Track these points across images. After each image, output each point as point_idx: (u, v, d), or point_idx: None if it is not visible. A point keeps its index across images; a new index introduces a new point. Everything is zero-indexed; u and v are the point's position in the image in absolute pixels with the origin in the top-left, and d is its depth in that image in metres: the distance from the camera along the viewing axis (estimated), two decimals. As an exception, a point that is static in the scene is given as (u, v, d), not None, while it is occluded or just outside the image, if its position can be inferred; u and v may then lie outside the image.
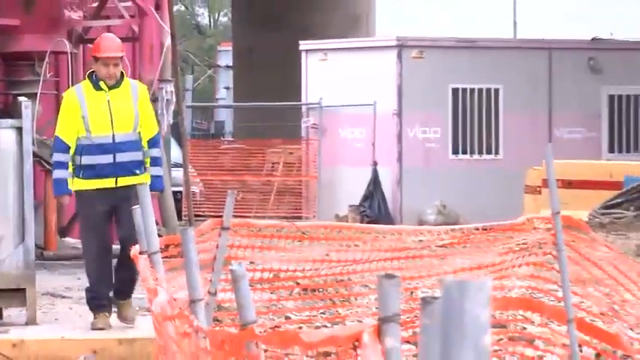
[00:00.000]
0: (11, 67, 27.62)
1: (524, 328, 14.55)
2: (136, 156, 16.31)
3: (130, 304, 16.76)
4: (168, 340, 11.32)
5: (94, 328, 16.88)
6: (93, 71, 17.08)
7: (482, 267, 15.87)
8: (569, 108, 44.59)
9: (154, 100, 28.36)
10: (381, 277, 6.68)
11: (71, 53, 28.94)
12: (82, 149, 16.39)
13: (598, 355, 14.41)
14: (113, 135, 16.19)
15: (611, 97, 44.80)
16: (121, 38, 31.04)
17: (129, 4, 29.52)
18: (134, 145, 16.34)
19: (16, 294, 19.69)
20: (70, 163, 16.95)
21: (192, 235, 11.43)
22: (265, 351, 9.01)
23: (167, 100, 28.35)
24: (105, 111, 16.52)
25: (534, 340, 14.46)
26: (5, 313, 20.42)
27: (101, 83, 16.72)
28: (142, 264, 13.85)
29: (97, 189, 16.40)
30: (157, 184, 17.24)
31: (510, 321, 14.44)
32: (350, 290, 15.54)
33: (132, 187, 16.34)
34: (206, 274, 12.28)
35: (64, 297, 23.04)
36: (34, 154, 20.68)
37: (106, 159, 16.38)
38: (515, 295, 14.76)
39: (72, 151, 16.92)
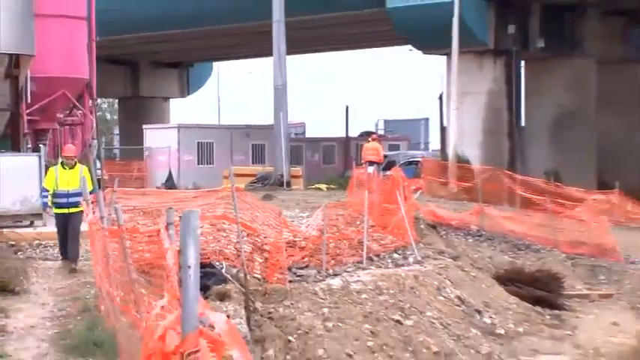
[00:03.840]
0: (37, 134, 26.43)
1: (223, 224, 14.18)
2: (77, 197, 15.27)
3: (76, 261, 15.28)
4: (93, 232, 10.87)
5: (62, 266, 15.80)
6: (62, 161, 16.15)
7: (207, 204, 15.52)
8: (239, 149, 43.63)
9: (90, 145, 26.96)
10: (168, 209, 6.55)
11: (58, 129, 27.88)
12: (54, 195, 15.43)
13: (252, 241, 14.02)
14: (67, 190, 15.12)
15: (253, 145, 44.01)
16: (75, 124, 29.60)
17: (80, 112, 28.35)
18: (77, 194, 15.24)
19: (38, 216, 18.79)
20: (50, 200, 15.94)
21: (102, 194, 11.04)
22: (128, 237, 8.72)
23: (95, 145, 27.28)
24: (65, 179, 15.46)
25: (226, 230, 14.08)
26: (35, 223, 19.47)
27: (65, 166, 15.65)
28: (84, 205, 13.21)
29: (62, 213, 15.05)
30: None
31: (218, 223, 14.00)
32: (160, 213, 15.24)
33: (74, 213, 15.19)
34: (107, 207, 11.82)
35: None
36: (45, 166, 19.72)
37: (64, 199, 15.21)
38: (218, 214, 14.45)
39: (51, 192, 15.96)
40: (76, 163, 15.71)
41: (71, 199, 15.35)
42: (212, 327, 4.40)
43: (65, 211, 15.46)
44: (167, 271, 6.17)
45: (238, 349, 4.09)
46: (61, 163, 15.83)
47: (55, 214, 15.73)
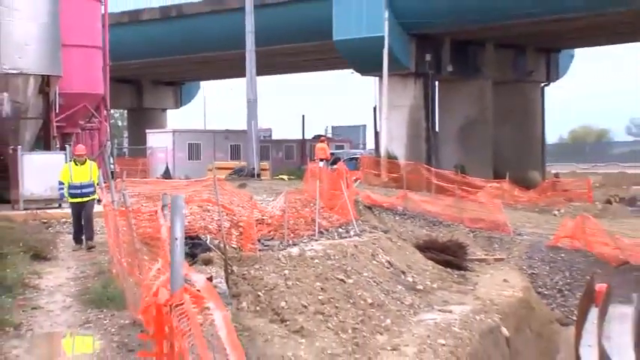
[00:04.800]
0: (64, 137, 25.90)
1: (207, 206, 14.07)
2: (89, 189, 14.32)
3: (92, 239, 14.44)
4: (107, 212, 10.70)
5: (74, 249, 14.90)
6: (75, 159, 15.02)
7: (195, 191, 15.32)
8: (220, 148, 42.98)
9: (105, 145, 26.54)
10: (163, 194, 6.38)
11: (80, 133, 27.36)
12: (70, 187, 14.40)
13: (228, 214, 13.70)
14: (80, 182, 14.13)
15: (231, 145, 43.32)
16: (94, 129, 28.79)
17: (97, 119, 27.93)
18: (88, 185, 14.25)
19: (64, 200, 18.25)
20: (66, 191, 14.86)
21: (113, 183, 10.83)
22: (134, 216, 8.56)
23: (109, 145, 26.86)
24: (77, 173, 14.43)
25: (210, 211, 13.84)
26: (62, 205, 18.95)
27: (77, 163, 14.59)
28: (98, 190, 12.95)
29: (76, 201, 14.19)
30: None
31: (203, 205, 13.90)
32: (159, 198, 14.80)
33: (87, 202, 14.39)
34: (117, 193, 11.65)
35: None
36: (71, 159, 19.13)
37: (77, 190, 14.32)
38: (204, 198, 14.22)
39: (67, 185, 14.87)
40: (85, 160, 14.66)
41: (84, 190, 14.67)
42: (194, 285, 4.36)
43: (79, 200, 14.79)
44: (162, 242, 6.11)
45: (214, 302, 4.06)
46: (74, 160, 15.13)
47: (71, 202, 15.10)
